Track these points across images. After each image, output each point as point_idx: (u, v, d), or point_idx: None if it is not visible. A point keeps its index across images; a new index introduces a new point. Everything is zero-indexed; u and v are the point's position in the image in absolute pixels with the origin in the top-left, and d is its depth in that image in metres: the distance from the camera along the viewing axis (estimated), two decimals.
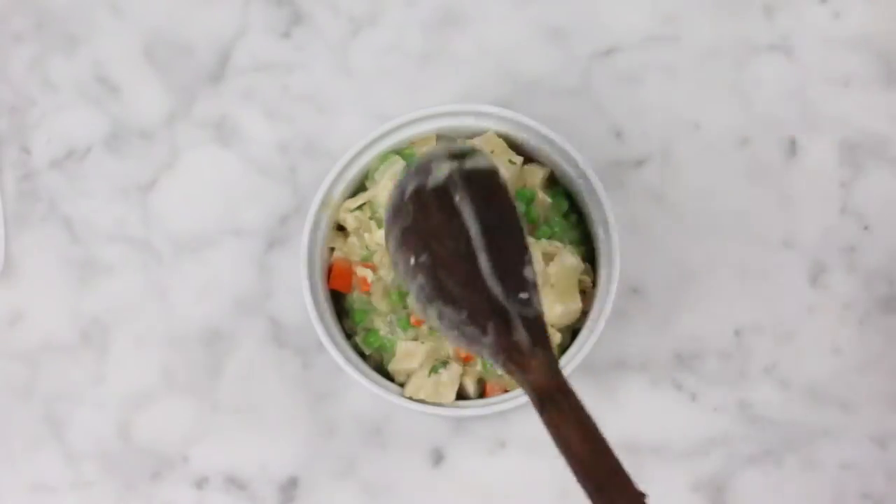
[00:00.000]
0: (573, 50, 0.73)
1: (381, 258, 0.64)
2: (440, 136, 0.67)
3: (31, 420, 0.70)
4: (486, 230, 0.54)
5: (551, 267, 0.64)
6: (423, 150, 0.61)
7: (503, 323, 0.52)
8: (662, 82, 0.72)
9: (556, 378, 0.51)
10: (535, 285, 0.53)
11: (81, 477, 0.70)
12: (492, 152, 0.65)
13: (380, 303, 0.64)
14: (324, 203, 0.65)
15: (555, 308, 0.63)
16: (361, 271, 0.64)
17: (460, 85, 0.72)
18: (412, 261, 0.55)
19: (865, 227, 0.70)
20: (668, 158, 0.71)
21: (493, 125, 0.66)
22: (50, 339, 0.71)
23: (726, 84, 0.72)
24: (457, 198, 0.54)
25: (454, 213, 0.54)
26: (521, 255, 0.54)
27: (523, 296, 0.53)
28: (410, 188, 0.56)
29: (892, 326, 0.69)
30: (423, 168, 0.56)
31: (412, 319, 0.64)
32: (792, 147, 0.71)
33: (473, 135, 0.66)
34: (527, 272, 0.53)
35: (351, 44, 0.73)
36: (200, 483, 0.69)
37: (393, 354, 0.64)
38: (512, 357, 0.52)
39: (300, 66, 0.73)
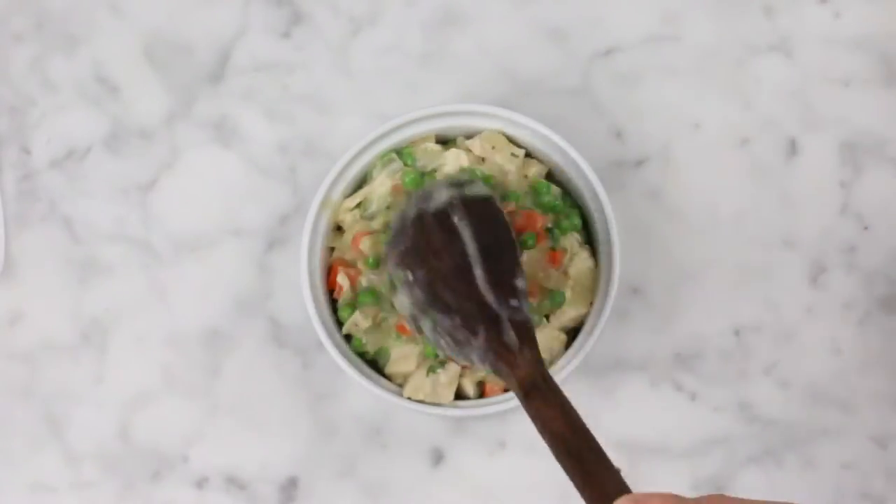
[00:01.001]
0: (573, 50, 0.73)
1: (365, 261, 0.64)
2: (439, 136, 0.67)
3: (31, 420, 0.70)
4: (483, 247, 0.59)
5: (572, 269, 0.64)
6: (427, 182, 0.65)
7: (494, 326, 0.57)
8: (662, 82, 0.72)
9: (541, 371, 0.56)
10: (525, 294, 0.58)
11: (81, 477, 0.70)
12: (492, 148, 0.65)
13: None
14: (324, 203, 0.65)
15: (568, 312, 0.63)
16: (341, 279, 0.64)
17: (460, 85, 0.72)
18: (410, 277, 0.60)
19: (865, 227, 0.70)
20: (668, 158, 0.71)
21: (492, 125, 0.66)
22: (50, 339, 0.71)
23: (726, 84, 0.72)
24: (456, 219, 0.59)
25: (454, 233, 0.59)
26: (513, 268, 0.59)
27: (514, 303, 0.58)
28: (412, 214, 0.61)
29: (892, 326, 0.69)
30: (425, 195, 0.61)
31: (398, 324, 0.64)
32: (792, 147, 0.71)
33: (473, 134, 0.66)
34: (518, 283, 0.58)
35: (351, 44, 0.73)
36: (200, 483, 0.69)
37: (389, 358, 0.64)
38: (500, 355, 0.57)
39: (300, 66, 0.73)
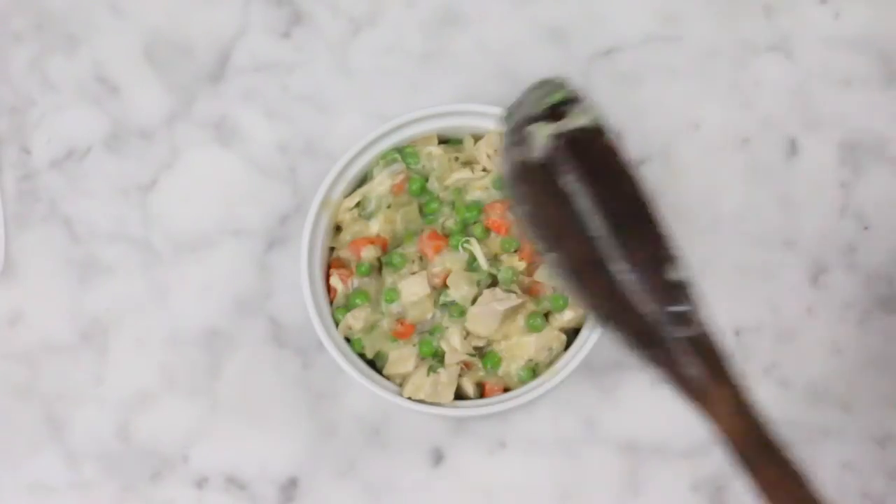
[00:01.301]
0: (573, 50, 0.73)
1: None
2: (441, 136, 0.67)
3: (31, 420, 0.70)
4: (611, 225, 0.43)
5: None
6: (515, 100, 0.47)
7: (664, 354, 0.42)
8: (662, 82, 0.72)
9: (748, 419, 0.42)
10: (686, 286, 0.42)
11: (81, 477, 0.70)
12: (494, 152, 0.65)
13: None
14: (324, 203, 0.65)
15: (567, 314, 0.63)
16: (334, 281, 0.64)
17: (460, 85, 0.72)
18: (546, 257, 0.45)
19: (865, 227, 0.70)
20: (668, 158, 0.71)
21: (493, 125, 0.66)
22: (50, 339, 0.71)
23: (726, 84, 0.72)
24: (564, 180, 0.44)
25: (566, 200, 0.43)
26: (658, 249, 0.43)
27: (676, 309, 0.42)
28: (512, 161, 0.46)
29: (892, 326, 0.69)
30: (519, 134, 0.45)
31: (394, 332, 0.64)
32: (792, 147, 0.71)
33: (473, 135, 0.66)
34: (671, 273, 0.43)
35: (351, 44, 0.73)
36: (200, 483, 0.69)
37: (386, 360, 0.64)
38: (690, 394, 0.42)
39: (300, 66, 0.73)
